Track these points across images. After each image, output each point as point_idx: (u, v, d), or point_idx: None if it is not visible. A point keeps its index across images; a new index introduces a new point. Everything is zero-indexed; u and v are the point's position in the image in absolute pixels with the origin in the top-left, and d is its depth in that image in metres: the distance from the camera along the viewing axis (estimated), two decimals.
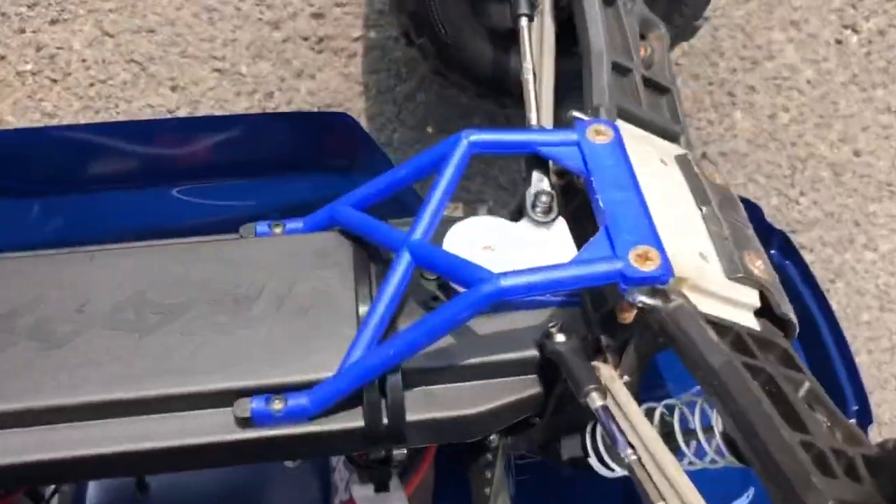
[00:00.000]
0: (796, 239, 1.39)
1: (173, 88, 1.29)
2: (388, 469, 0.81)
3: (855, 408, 0.87)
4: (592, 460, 0.72)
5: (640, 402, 0.70)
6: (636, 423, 0.61)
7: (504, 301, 0.72)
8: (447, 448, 0.88)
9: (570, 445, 0.75)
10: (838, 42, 1.42)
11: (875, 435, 1.38)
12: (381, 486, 0.83)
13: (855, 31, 1.42)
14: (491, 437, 0.78)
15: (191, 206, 1.07)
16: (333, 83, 1.30)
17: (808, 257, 1.38)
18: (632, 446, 0.59)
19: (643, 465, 0.58)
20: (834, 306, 1.40)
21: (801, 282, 0.92)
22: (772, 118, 1.39)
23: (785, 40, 1.40)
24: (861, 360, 1.40)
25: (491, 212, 1.29)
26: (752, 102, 1.38)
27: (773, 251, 0.93)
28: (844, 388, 0.88)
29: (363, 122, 1.31)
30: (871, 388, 1.38)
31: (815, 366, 0.91)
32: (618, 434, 0.59)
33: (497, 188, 1.32)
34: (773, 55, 1.40)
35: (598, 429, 0.70)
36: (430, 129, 1.32)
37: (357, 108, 1.31)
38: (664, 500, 0.56)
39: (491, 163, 1.30)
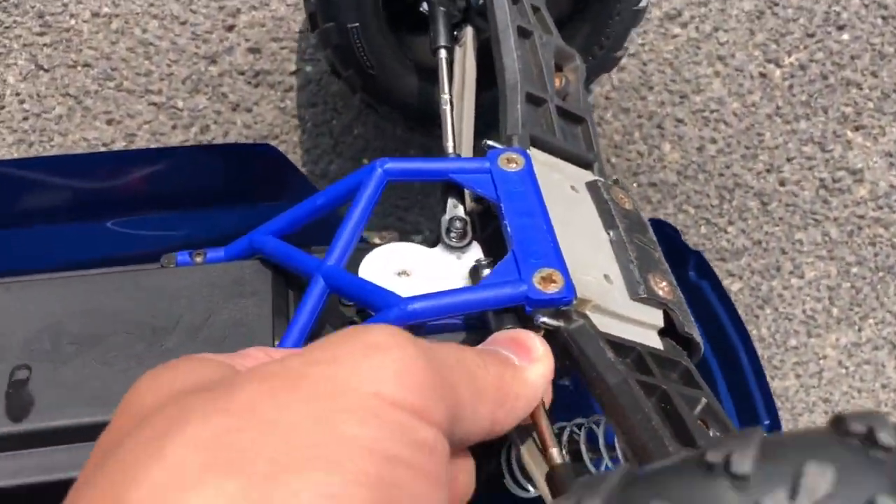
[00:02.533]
0: (725, 266, 1.42)
1: (109, 122, 1.29)
2: None
3: (766, 422, 0.89)
4: (508, 481, 0.74)
5: (552, 422, 0.72)
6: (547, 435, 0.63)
7: (418, 327, 0.73)
8: None
9: (487, 466, 0.77)
10: (763, 76, 1.47)
11: None
12: None
13: (778, 65, 1.47)
14: None
15: (125, 238, 1.07)
16: (270, 116, 1.31)
17: (736, 284, 1.42)
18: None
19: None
20: (763, 332, 1.43)
21: (716, 301, 0.94)
22: (700, 150, 1.43)
23: (712, 74, 1.45)
24: (790, 384, 1.43)
25: (425, 240, 1.31)
26: (681, 135, 1.42)
27: (689, 271, 0.96)
28: (757, 404, 0.90)
29: (299, 155, 1.32)
30: (799, 412, 1.42)
31: (730, 382, 0.93)
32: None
33: (433, 219, 1.34)
34: (700, 89, 1.44)
35: (513, 450, 0.71)
36: (366, 161, 1.34)
37: (293, 141, 1.32)
38: None
39: (429, 193, 1.32)
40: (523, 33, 0.89)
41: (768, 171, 1.45)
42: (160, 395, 0.36)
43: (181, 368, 0.38)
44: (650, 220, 0.84)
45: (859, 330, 1.45)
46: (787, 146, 1.46)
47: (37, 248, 1.06)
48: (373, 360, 0.35)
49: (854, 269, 1.46)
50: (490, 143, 0.79)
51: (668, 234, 0.93)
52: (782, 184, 1.45)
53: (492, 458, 0.76)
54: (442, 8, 0.98)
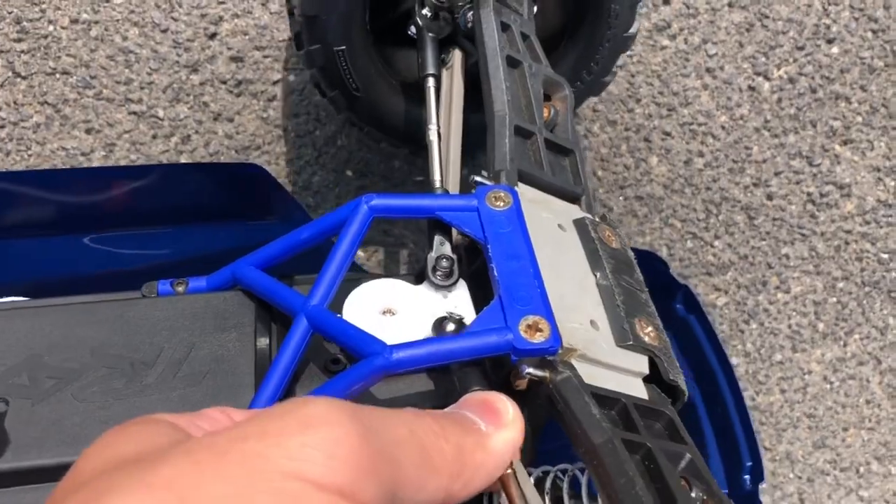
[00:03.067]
0: (711, 281, 1.41)
1: (88, 131, 1.27)
2: None
3: (749, 464, 0.89)
4: None
5: (534, 465, 0.72)
6: (526, 491, 0.62)
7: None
8: None
9: None
10: (751, 89, 1.46)
11: (787, 472, 1.41)
12: None
13: (767, 78, 1.46)
14: None
15: (106, 254, 1.05)
16: (252, 126, 1.29)
17: (722, 299, 1.41)
18: None
19: None
20: (748, 346, 1.43)
21: (703, 337, 0.94)
22: (687, 163, 1.42)
23: (700, 87, 1.44)
24: (774, 399, 1.43)
25: (411, 255, 1.30)
26: (668, 148, 1.41)
27: (677, 305, 0.95)
28: (740, 445, 0.90)
29: (282, 166, 1.30)
30: (784, 427, 1.42)
31: (713, 418, 0.93)
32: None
33: (418, 231, 1.33)
34: (688, 101, 1.43)
35: (495, 498, 0.71)
36: (349, 173, 1.32)
37: (276, 152, 1.30)
38: None
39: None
40: (512, 63, 0.87)
41: (755, 185, 1.44)
42: (102, 461, 0.36)
43: (131, 433, 0.38)
44: (639, 250, 0.83)
45: (844, 345, 1.45)
46: (775, 160, 1.45)
47: (14, 262, 1.04)
48: (303, 437, 0.34)
49: (840, 285, 1.45)
50: (478, 179, 0.78)
51: (656, 268, 0.92)
52: (770, 198, 1.44)
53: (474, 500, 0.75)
54: (430, 34, 0.96)
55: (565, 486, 0.69)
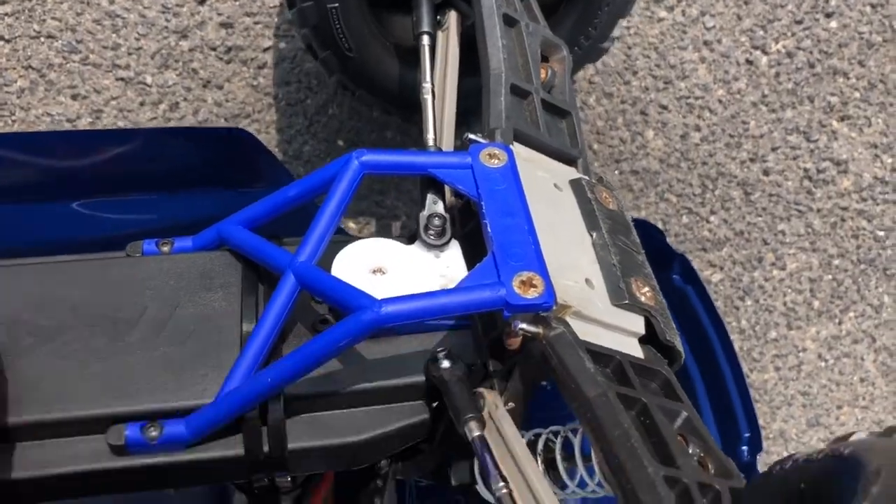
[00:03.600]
0: (706, 257, 1.40)
1: (74, 97, 1.24)
2: (276, 496, 0.79)
3: (747, 434, 0.88)
4: (480, 487, 0.72)
5: (527, 427, 0.70)
6: (516, 452, 0.60)
7: (394, 326, 0.71)
8: (345, 474, 0.86)
9: (459, 471, 0.74)
10: (749, 63, 1.44)
11: (781, 450, 1.41)
12: None
13: (765, 52, 1.44)
14: (381, 463, 0.77)
15: (91, 220, 1.04)
16: (242, 94, 1.27)
17: (717, 275, 1.40)
18: (504, 479, 0.58)
19: (513, 500, 0.57)
20: (743, 323, 1.42)
21: (700, 307, 0.93)
22: (683, 137, 1.40)
23: (697, 60, 1.42)
24: (769, 376, 1.42)
25: (404, 227, 1.28)
26: (665, 121, 1.40)
27: (674, 275, 0.94)
28: (738, 415, 0.89)
29: (272, 135, 1.28)
30: (778, 405, 1.41)
31: (711, 391, 0.92)
32: (490, 467, 0.59)
33: (411, 203, 1.31)
34: (685, 74, 1.41)
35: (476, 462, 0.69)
36: (341, 143, 1.30)
37: (266, 120, 1.28)
38: None
39: (406, 177, 1.29)
40: (509, 21, 0.85)
41: (752, 160, 1.42)
42: None
43: None
44: (634, 220, 0.81)
45: (839, 323, 1.44)
46: (772, 135, 1.44)
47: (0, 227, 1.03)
48: None
49: (836, 262, 1.44)
50: (472, 136, 0.76)
51: (652, 236, 0.91)
52: (766, 173, 1.43)
53: (463, 463, 0.74)
54: None
55: (558, 447, 0.68)
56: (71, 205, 1.03)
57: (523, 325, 0.62)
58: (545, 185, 0.75)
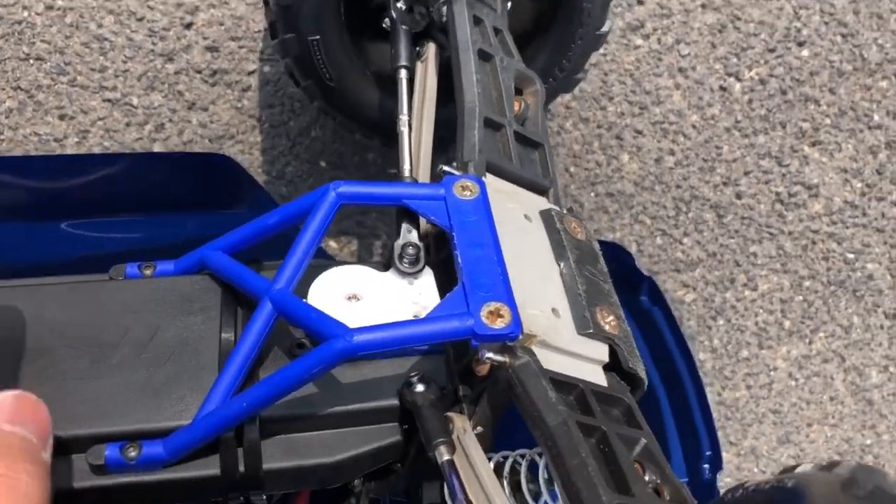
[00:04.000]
0: (680, 277, 1.43)
1: (62, 117, 1.27)
2: None
3: (708, 453, 0.91)
4: None
5: (493, 451, 0.73)
6: (482, 476, 0.63)
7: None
8: (320, 492, 0.88)
9: (430, 492, 0.77)
10: (723, 89, 1.48)
11: (752, 466, 1.44)
12: None
13: (738, 79, 1.48)
14: (354, 482, 0.79)
15: (78, 240, 1.05)
16: (226, 116, 1.30)
17: (690, 295, 1.43)
18: (471, 503, 0.61)
19: None
20: (715, 342, 1.45)
21: (666, 328, 0.96)
22: (658, 161, 1.44)
23: (672, 86, 1.46)
24: (740, 394, 1.45)
25: (384, 246, 1.31)
26: (640, 146, 1.43)
27: (642, 297, 0.97)
28: (700, 434, 0.92)
29: (256, 156, 1.30)
30: (749, 422, 1.44)
31: (675, 409, 0.95)
32: (458, 491, 0.61)
33: (392, 223, 1.33)
34: (660, 100, 1.45)
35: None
36: (323, 164, 1.33)
37: (250, 141, 1.30)
38: None
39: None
40: (484, 56, 0.88)
41: (725, 183, 1.46)
42: None
43: None
44: (605, 242, 0.84)
45: (810, 343, 1.48)
46: (745, 160, 1.47)
47: None
48: None
49: (807, 283, 1.48)
50: (446, 168, 0.79)
51: (621, 259, 0.94)
52: (739, 197, 1.46)
53: (434, 484, 0.77)
54: (404, 26, 0.97)
55: (523, 469, 0.71)
56: (53, 225, 1.05)
57: (490, 355, 0.64)
58: (515, 216, 0.77)
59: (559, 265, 0.75)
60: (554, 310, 0.70)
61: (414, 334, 0.65)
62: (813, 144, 1.50)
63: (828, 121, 1.51)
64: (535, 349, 0.66)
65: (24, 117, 1.25)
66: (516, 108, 0.89)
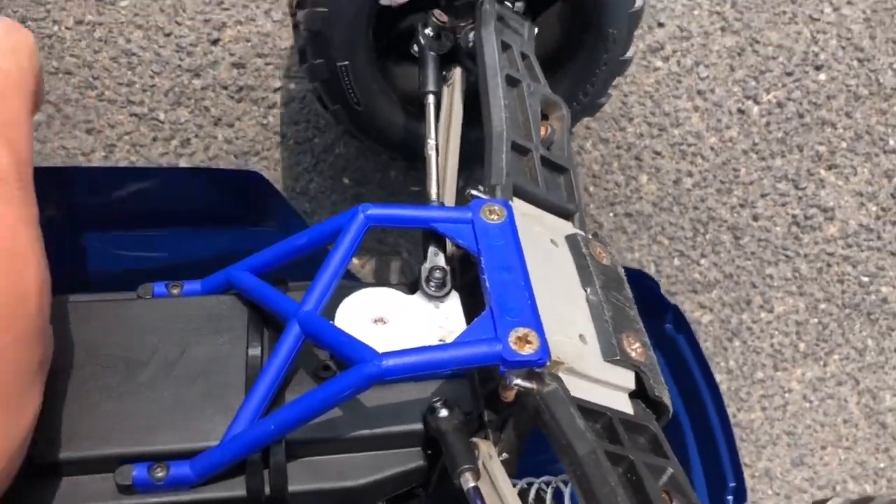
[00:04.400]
0: (697, 298, 1.44)
1: (89, 131, 1.28)
2: None
3: (732, 484, 0.91)
4: None
5: (517, 477, 0.73)
6: (508, 503, 0.64)
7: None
8: None
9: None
10: (741, 112, 1.49)
11: (766, 488, 1.44)
12: None
13: (756, 102, 1.49)
14: None
15: (101, 254, 1.06)
16: (251, 132, 1.31)
17: (707, 316, 1.44)
18: None
19: None
20: (731, 364, 1.46)
21: (691, 356, 0.96)
22: (676, 182, 1.45)
23: (691, 108, 1.47)
24: (755, 416, 1.46)
25: (406, 264, 1.32)
26: (658, 167, 1.44)
27: (666, 325, 0.97)
28: (724, 465, 0.92)
29: (280, 172, 1.32)
30: (763, 444, 1.44)
31: (699, 437, 0.95)
32: None
33: (413, 241, 1.35)
34: (679, 122, 1.46)
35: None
36: (346, 181, 1.34)
37: (275, 158, 1.32)
38: None
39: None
40: (511, 82, 0.90)
41: (742, 205, 1.47)
42: None
43: None
44: (630, 270, 0.85)
45: (824, 365, 1.48)
46: (762, 182, 1.48)
47: None
48: None
49: (822, 306, 1.48)
50: (474, 192, 0.80)
51: (647, 287, 0.94)
52: (755, 219, 1.47)
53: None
54: (432, 52, 0.98)
55: (548, 497, 0.71)
56: (81, 238, 1.06)
57: (518, 381, 0.65)
58: (542, 240, 0.78)
59: (585, 290, 0.76)
60: (581, 336, 0.71)
61: (443, 359, 0.66)
62: (829, 168, 1.51)
63: (844, 144, 1.52)
64: (562, 375, 0.67)
65: (52, 130, 1.27)
66: (542, 132, 0.90)
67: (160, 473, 0.66)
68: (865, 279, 1.50)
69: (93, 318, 0.75)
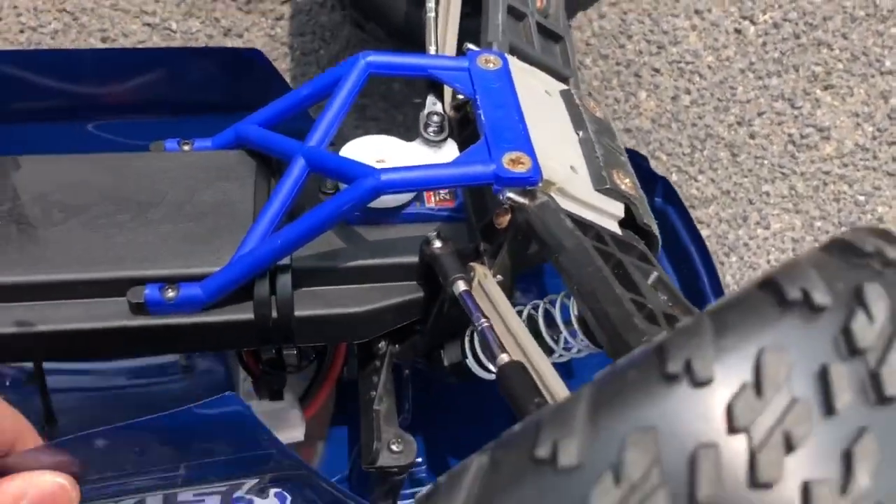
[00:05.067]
0: (694, 214, 1.47)
1: (103, 39, 1.32)
2: (282, 374, 0.85)
3: None
4: (470, 361, 0.78)
5: (512, 303, 0.77)
6: (504, 314, 0.67)
7: (395, 214, 0.78)
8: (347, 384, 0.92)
9: (451, 352, 0.81)
10: (738, 31, 1.52)
11: None
12: (276, 395, 0.87)
13: (753, 22, 1.52)
14: (379, 344, 0.83)
15: (107, 142, 1.07)
16: (259, 43, 1.35)
17: (705, 231, 1.47)
18: (486, 316, 0.65)
19: (494, 331, 0.63)
20: (728, 279, 1.48)
21: (682, 228, 0.98)
22: (674, 99, 1.48)
23: (689, 27, 1.50)
24: None
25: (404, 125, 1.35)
26: (657, 84, 1.47)
27: (656, 198, 1.00)
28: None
29: (287, 82, 1.35)
30: None
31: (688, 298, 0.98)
32: (473, 309, 0.65)
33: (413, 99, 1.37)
34: (677, 40, 1.49)
35: (475, 335, 0.76)
36: None
37: (281, 68, 1.35)
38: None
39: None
40: None
41: (739, 123, 1.50)
42: None
43: None
44: None
45: None
46: (759, 101, 1.51)
47: (15, 146, 1.07)
48: None
49: (818, 223, 1.51)
50: (470, 45, 0.83)
51: (636, 162, 0.97)
52: (752, 137, 1.50)
53: (455, 344, 0.81)
54: None
55: (540, 318, 0.75)
56: (87, 126, 1.07)
57: (511, 195, 0.68)
58: (536, 90, 0.82)
59: (578, 133, 0.79)
60: (572, 167, 0.74)
61: (439, 176, 0.70)
62: (825, 88, 1.54)
63: (840, 65, 1.54)
64: (553, 195, 0.70)
65: (68, 38, 1.31)
66: (539, 4, 0.94)
67: (171, 293, 0.69)
68: (861, 198, 1.52)
69: (106, 168, 0.79)
